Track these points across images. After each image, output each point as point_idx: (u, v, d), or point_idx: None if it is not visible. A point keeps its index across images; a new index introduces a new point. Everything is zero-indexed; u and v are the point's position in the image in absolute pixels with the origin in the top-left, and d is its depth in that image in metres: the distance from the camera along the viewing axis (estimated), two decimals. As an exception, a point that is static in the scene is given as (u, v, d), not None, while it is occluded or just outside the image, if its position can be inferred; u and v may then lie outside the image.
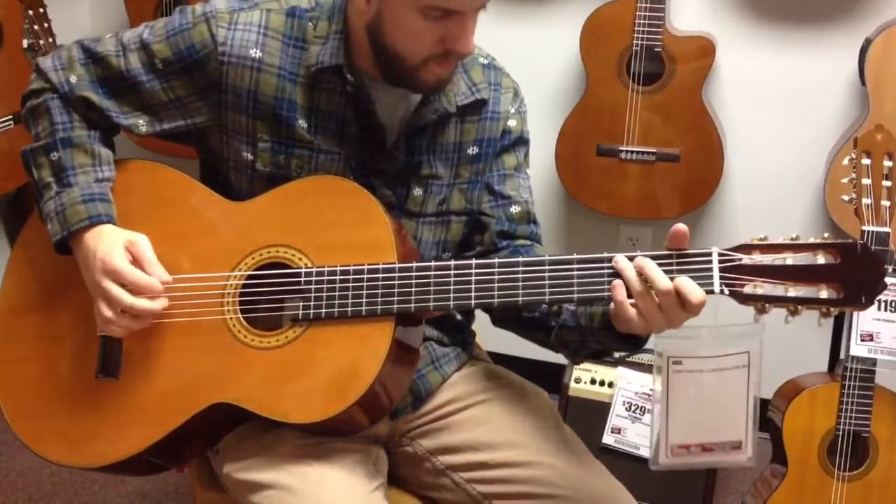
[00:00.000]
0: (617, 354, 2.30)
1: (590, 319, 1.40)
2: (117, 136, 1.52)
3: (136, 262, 1.38)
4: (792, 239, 1.26)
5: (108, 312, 1.36)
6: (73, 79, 1.46)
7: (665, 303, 1.26)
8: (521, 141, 1.58)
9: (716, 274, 1.26)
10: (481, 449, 1.50)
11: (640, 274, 1.27)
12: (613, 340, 1.39)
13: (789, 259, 1.26)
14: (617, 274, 1.29)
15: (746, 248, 1.27)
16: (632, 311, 1.28)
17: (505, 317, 1.53)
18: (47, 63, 1.48)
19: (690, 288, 1.25)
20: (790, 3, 2.45)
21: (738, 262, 1.26)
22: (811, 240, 1.26)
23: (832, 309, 1.26)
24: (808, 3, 2.44)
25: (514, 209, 1.55)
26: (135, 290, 1.36)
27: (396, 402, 1.45)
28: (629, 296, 1.28)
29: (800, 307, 1.26)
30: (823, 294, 1.25)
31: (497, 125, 1.53)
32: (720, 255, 1.27)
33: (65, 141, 1.44)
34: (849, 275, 1.24)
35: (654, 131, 2.43)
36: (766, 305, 1.26)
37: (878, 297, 1.27)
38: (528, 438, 1.51)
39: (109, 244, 1.38)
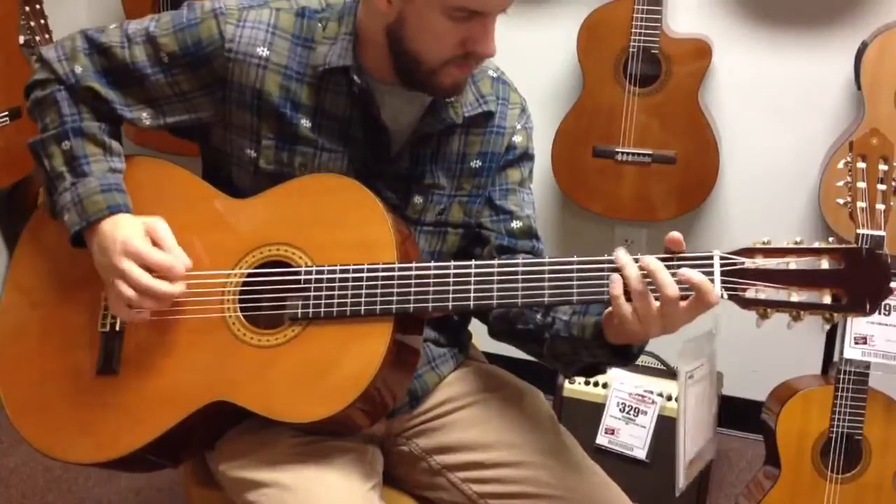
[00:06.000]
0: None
1: (582, 330, 1.39)
2: (116, 133, 1.52)
3: (156, 245, 1.37)
4: (796, 243, 1.24)
5: (127, 291, 1.34)
6: (78, 69, 1.45)
7: (667, 310, 1.23)
8: (526, 157, 1.57)
9: (717, 278, 1.24)
10: (477, 449, 1.51)
11: (646, 275, 1.24)
12: (605, 353, 1.37)
13: (793, 264, 1.23)
14: (617, 270, 1.26)
15: (749, 252, 1.24)
16: (627, 309, 1.24)
17: (501, 329, 1.53)
18: (51, 53, 1.47)
19: (707, 287, 1.21)
20: (787, 5, 2.46)
21: (740, 266, 1.24)
22: (815, 244, 1.23)
23: (835, 315, 1.23)
24: (804, 6, 2.44)
25: (516, 224, 1.54)
26: (157, 271, 1.35)
27: (396, 403, 1.45)
28: (627, 297, 1.25)
29: (802, 312, 1.23)
30: (827, 299, 1.22)
31: (502, 140, 1.53)
32: (722, 258, 1.25)
33: (76, 130, 1.43)
34: (853, 280, 1.21)
35: (650, 133, 2.43)
36: (768, 310, 1.24)
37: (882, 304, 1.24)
38: (524, 439, 1.51)
39: (129, 229, 1.37)
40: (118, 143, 1.48)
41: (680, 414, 1.41)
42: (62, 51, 1.47)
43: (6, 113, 2.49)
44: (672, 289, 1.22)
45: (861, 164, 1.80)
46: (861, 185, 1.79)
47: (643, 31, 2.35)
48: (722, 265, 1.25)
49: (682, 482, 1.47)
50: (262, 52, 1.41)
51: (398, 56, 1.36)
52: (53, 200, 1.44)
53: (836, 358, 2.01)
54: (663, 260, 1.25)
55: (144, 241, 1.36)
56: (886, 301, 1.95)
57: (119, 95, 1.46)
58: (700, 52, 2.39)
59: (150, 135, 1.52)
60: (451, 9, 1.29)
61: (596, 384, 2.33)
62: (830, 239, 1.25)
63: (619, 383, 2.31)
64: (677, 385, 1.41)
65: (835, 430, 1.97)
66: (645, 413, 2.27)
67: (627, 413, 2.29)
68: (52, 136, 1.44)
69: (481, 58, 1.37)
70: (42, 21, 2.57)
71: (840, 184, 1.83)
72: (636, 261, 1.25)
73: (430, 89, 1.39)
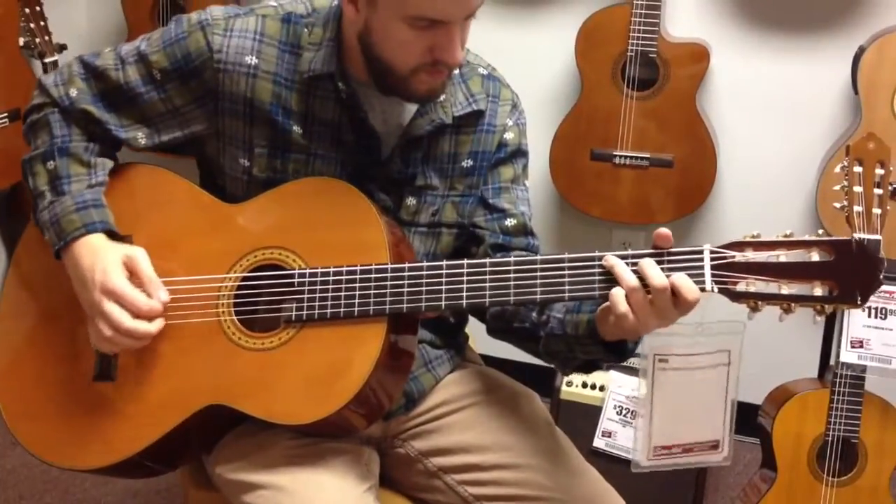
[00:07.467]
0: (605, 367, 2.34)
1: (575, 328, 1.39)
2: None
3: (133, 277, 1.38)
4: (786, 236, 1.24)
5: (107, 332, 1.35)
6: (73, 93, 1.47)
7: (658, 300, 1.24)
8: (519, 153, 1.57)
9: (707, 272, 1.25)
10: (473, 451, 1.51)
11: (635, 270, 1.25)
12: (599, 350, 1.38)
13: (783, 256, 1.23)
14: (608, 272, 1.27)
15: (739, 246, 1.25)
16: (625, 306, 1.25)
17: (499, 327, 1.53)
18: (49, 80, 1.49)
19: (687, 285, 1.23)
20: (785, 10, 2.46)
21: (730, 260, 1.24)
22: (805, 237, 1.24)
23: (826, 306, 1.23)
24: (802, 11, 2.45)
25: (510, 222, 1.54)
26: (135, 312, 1.35)
27: (391, 404, 1.45)
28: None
29: (793, 305, 1.23)
30: (818, 291, 1.22)
31: (493, 138, 1.53)
32: (712, 252, 1.25)
33: (62, 150, 1.44)
34: (844, 272, 1.21)
35: (647, 136, 2.44)
36: (759, 303, 1.24)
37: (873, 295, 1.23)
38: (520, 441, 1.51)
39: (106, 261, 1.37)
40: (106, 160, 1.48)
41: (642, 387, 1.42)
42: (59, 77, 1.49)
43: (5, 114, 2.50)
44: (659, 279, 1.23)
45: (857, 169, 1.80)
46: (857, 189, 1.79)
47: (641, 35, 2.36)
48: (712, 259, 1.25)
49: (643, 461, 1.48)
50: (251, 60, 1.42)
51: (370, 63, 1.37)
52: (36, 218, 1.45)
53: (832, 361, 2.01)
54: (653, 256, 1.26)
55: (123, 277, 1.36)
56: (883, 305, 1.95)
57: (114, 117, 1.47)
58: (698, 56, 2.40)
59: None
60: (411, 18, 1.29)
61: (593, 387, 2.33)
62: (820, 231, 1.25)
63: (616, 386, 2.31)
64: (639, 361, 1.42)
65: (831, 433, 1.97)
66: (638, 414, 2.27)
67: (624, 416, 2.29)
68: (39, 155, 1.45)
69: (449, 65, 1.36)
70: (42, 23, 2.58)
71: (837, 188, 1.83)
72: (625, 258, 1.27)
73: (405, 95, 1.39)
